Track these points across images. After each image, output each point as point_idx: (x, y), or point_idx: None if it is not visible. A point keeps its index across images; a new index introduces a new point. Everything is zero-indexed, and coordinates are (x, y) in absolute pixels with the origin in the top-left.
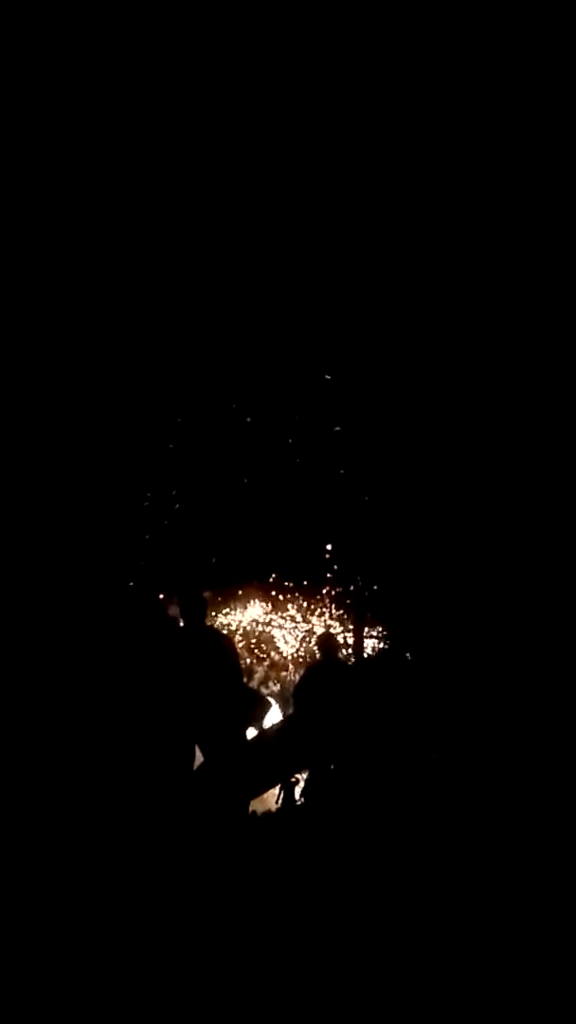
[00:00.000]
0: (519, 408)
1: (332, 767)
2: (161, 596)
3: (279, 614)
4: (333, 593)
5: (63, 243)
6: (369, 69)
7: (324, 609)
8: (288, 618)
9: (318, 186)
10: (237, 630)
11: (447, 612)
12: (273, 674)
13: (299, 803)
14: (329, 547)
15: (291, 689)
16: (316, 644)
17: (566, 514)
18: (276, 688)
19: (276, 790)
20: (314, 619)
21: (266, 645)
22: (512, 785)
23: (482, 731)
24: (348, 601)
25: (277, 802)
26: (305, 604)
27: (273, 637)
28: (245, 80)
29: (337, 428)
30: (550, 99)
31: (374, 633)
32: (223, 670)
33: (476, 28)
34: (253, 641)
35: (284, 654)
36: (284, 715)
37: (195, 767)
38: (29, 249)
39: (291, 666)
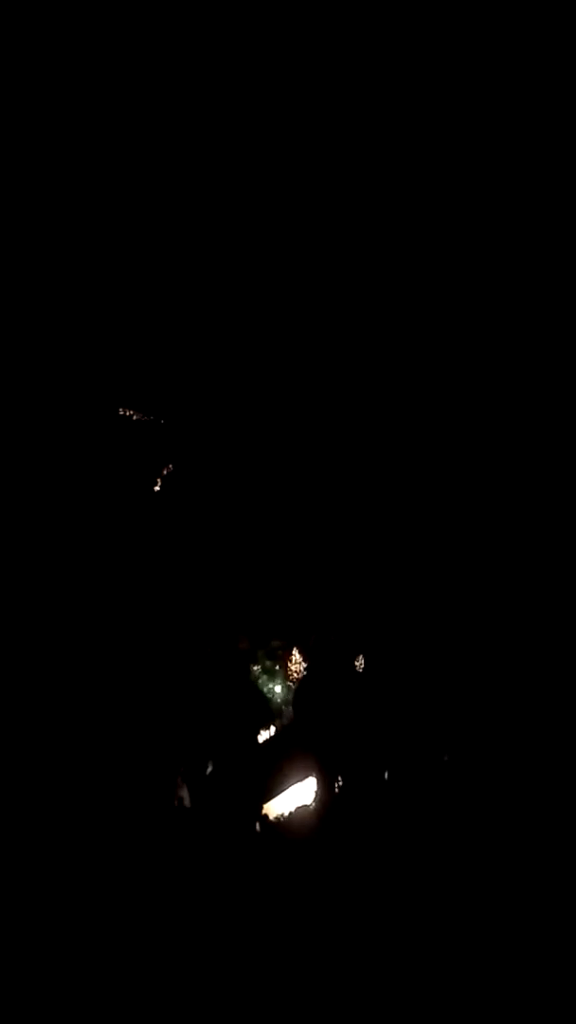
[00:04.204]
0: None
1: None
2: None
3: None
4: None
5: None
6: (369, 68)
7: None
8: None
9: (317, 184)
10: None
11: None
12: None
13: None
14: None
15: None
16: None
17: (565, 515)
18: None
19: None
20: None
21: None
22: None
23: (489, 733)
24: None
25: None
26: None
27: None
28: (245, 77)
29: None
30: (550, 99)
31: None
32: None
33: (476, 28)
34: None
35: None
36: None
37: (207, 772)
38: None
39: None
